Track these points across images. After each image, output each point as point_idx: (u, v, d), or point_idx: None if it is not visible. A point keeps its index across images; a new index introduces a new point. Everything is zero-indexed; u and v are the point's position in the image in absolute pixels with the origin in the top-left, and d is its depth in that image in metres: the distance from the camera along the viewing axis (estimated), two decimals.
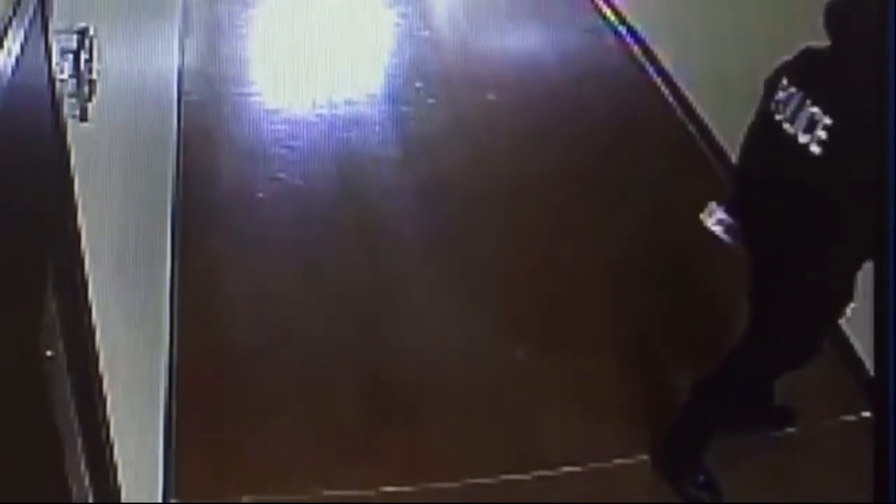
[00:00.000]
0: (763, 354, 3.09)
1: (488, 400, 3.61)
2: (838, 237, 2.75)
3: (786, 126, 2.74)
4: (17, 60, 1.47)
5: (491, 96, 5.38)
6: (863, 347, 3.63)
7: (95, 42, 1.96)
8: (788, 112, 2.74)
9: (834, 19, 2.64)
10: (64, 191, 1.88)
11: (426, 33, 6.13)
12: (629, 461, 3.39)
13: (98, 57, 1.99)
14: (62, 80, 1.83)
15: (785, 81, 2.77)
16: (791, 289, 2.93)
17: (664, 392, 3.61)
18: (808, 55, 2.77)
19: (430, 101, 5.36)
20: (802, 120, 2.69)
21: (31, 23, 1.58)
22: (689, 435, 3.31)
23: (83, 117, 1.96)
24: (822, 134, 2.64)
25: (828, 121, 2.62)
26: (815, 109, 2.66)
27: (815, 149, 2.67)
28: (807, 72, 2.75)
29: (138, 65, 3.55)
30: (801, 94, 2.70)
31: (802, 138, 2.69)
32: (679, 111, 5.21)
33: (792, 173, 2.82)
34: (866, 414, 3.44)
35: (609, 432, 3.49)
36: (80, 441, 1.90)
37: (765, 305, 3.04)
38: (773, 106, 2.81)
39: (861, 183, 2.59)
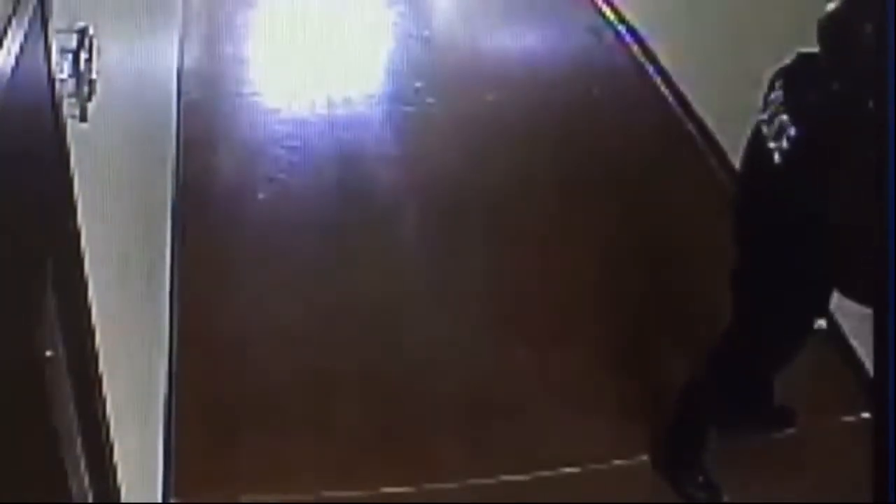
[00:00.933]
0: (743, 352, 3.09)
1: (488, 400, 3.61)
2: (793, 248, 2.75)
3: (763, 127, 2.76)
4: (17, 60, 1.47)
5: (490, 96, 5.38)
6: (863, 348, 3.63)
7: (95, 41, 1.96)
8: (768, 114, 2.75)
9: (823, 34, 2.63)
10: (64, 191, 1.88)
11: (426, 33, 6.13)
12: (629, 461, 3.39)
13: (98, 56, 1.98)
14: (62, 80, 1.83)
15: (778, 83, 2.77)
16: (759, 290, 2.94)
17: (664, 392, 3.60)
18: (800, 61, 2.78)
19: (430, 100, 5.36)
20: (775, 125, 2.70)
21: (31, 23, 1.58)
22: (686, 435, 3.31)
23: (83, 117, 1.96)
24: (785, 144, 2.65)
25: (792, 132, 2.63)
26: (785, 117, 2.66)
27: (777, 157, 2.68)
28: (793, 78, 2.76)
29: (138, 64, 3.55)
30: (782, 99, 2.71)
31: (771, 143, 2.70)
32: (679, 111, 5.21)
33: (760, 176, 2.85)
34: (866, 414, 3.44)
35: (609, 432, 3.49)
36: (80, 441, 1.90)
37: (742, 303, 3.05)
38: (764, 104, 2.82)
39: (814, 200, 2.59)
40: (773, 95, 2.77)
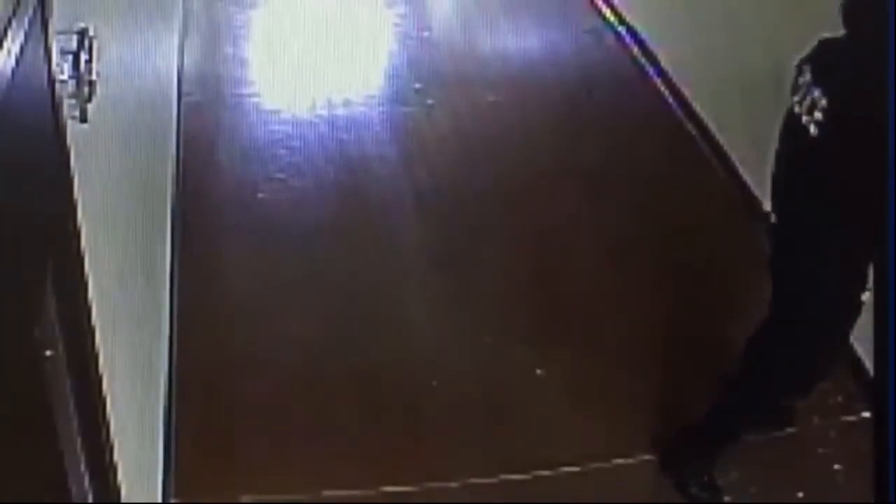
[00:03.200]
0: (789, 341, 3.04)
1: (488, 400, 3.61)
2: (837, 223, 2.75)
3: (796, 108, 2.78)
4: (17, 61, 1.47)
5: (491, 97, 5.39)
6: (863, 348, 3.63)
7: (95, 43, 1.96)
8: (801, 94, 2.77)
9: (847, 9, 2.66)
10: (64, 191, 1.89)
11: (426, 34, 6.14)
12: (629, 461, 3.39)
13: (98, 58, 1.99)
14: (62, 81, 1.83)
15: (806, 67, 2.79)
16: (797, 278, 2.92)
17: (665, 392, 3.61)
18: (824, 44, 2.80)
19: (430, 101, 5.36)
20: (807, 102, 2.72)
21: (31, 23, 1.58)
22: (710, 434, 3.26)
23: (83, 118, 1.96)
24: (819, 115, 2.67)
25: (824, 102, 2.65)
26: (817, 92, 2.68)
27: (812, 129, 2.69)
28: (819, 59, 2.78)
29: (138, 65, 3.55)
30: (812, 78, 2.73)
31: (805, 118, 2.72)
32: (679, 111, 5.22)
33: (795, 155, 2.86)
34: (866, 414, 3.44)
35: (609, 432, 3.49)
36: (79, 441, 1.90)
37: (779, 299, 3.02)
38: (792, 90, 2.84)
39: (853, 167, 2.61)
40: (801, 79, 2.79)
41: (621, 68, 5.68)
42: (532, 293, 4.09)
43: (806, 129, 2.72)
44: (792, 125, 2.82)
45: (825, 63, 2.75)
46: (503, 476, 3.32)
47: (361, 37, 6.19)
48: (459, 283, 4.15)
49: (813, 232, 2.84)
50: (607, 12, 6.14)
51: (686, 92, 5.21)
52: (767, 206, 4.25)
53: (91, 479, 1.96)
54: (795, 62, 2.87)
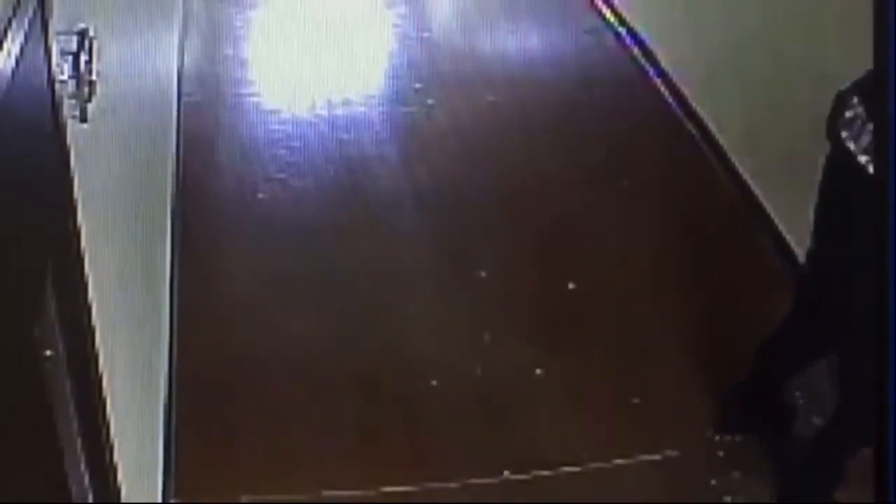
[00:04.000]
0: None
1: (488, 400, 3.61)
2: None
3: (850, 144, 2.70)
4: (17, 61, 1.47)
5: (491, 97, 5.38)
6: None
7: (95, 43, 1.96)
8: (854, 130, 2.69)
9: None
10: (64, 191, 1.89)
11: (426, 34, 6.14)
12: (629, 461, 3.39)
13: (98, 58, 1.99)
14: (62, 82, 1.84)
15: (855, 100, 2.71)
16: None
17: (666, 392, 3.61)
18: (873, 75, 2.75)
19: (430, 101, 5.36)
20: (864, 140, 2.64)
21: (30, 23, 1.58)
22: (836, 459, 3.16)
23: (83, 118, 1.97)
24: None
25: None
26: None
27: (871, 169, 2.61)
28: (872, 91, 2.71)
29: (138, 65, 3.56)
30: (865, 113, 2.65)
31: (862, 158, 2.65)
32: (679, 111, 5.22)
33: (851, 195, 2.75)
34: None
35: (609, 432, 3.49)
36: (79, 441, 1.90)
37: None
38: (839, 124, 2.75)
39: None
40: (849, 113, 2.71)
41: (621, 68, 5.68)
42: (532, 293, 4.09)
43: (863, 169, 2.63)
44: (845, 162, 2.71)
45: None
46: (503, 476, 3.32)
47: (361, 37, 6.18)
48: (459, 282, 4.15)
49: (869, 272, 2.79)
50: (607, 12, 6.14)
51: (686, 92, 5.21)
52: (769, 205, 4.28)
53: (91, 479, 1.96)
54: (837, 91, 2.75)
